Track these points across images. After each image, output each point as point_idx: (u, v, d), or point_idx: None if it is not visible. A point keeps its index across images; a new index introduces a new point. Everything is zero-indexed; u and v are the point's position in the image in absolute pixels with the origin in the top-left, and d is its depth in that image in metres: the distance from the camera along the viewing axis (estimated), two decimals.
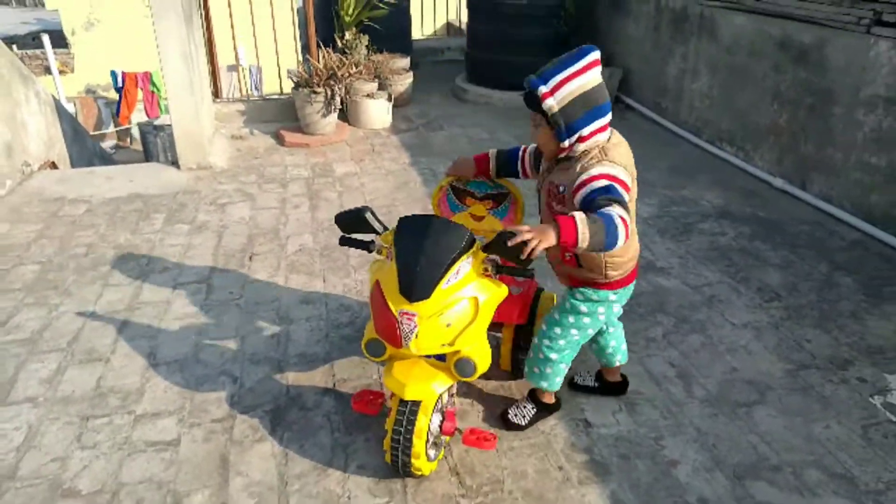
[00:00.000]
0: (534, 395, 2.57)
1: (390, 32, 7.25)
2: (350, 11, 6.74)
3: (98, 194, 4.65)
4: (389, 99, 6.30)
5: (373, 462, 2.38)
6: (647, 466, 2.39)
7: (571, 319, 2.36)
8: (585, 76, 1.99)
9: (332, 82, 5.69)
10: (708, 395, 2.76)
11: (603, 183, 1.97)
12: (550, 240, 1.86)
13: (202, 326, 3.17)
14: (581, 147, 2.05)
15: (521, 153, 2.48)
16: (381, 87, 6.46)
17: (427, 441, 2.18)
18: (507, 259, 2.06)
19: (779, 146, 4.83)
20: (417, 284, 2.02)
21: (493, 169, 2.51)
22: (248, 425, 2.56)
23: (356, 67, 5.99)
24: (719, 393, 2.77)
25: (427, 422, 2.16)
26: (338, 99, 5.76)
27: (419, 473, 2.23)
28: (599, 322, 2.40)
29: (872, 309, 3.37)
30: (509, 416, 2.54)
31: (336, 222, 2.22)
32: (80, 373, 2.84)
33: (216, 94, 6.26)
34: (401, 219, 2.16)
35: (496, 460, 2.41)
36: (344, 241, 2.29)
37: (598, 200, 1.94)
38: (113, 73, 11.58)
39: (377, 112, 6.19)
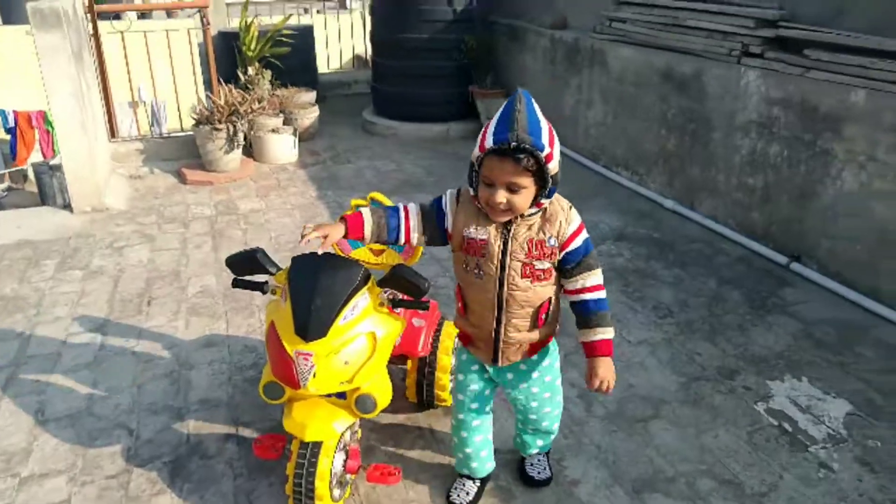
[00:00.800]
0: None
1: (295, 66, 7.26)
2: (252, 47, 6.70)
3: None
4: (295, 133, 6.28)
5: None
6: (550, 488, 2.45)
7: (555, 370, 2.28)
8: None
9: (234, 118, 5.62)
10: (607, 412, 2.86)
11: (585, 235, 1.97)
12: (612, 371, 2.01)
13: (96, 378, 3.03)
14: (548, 200, 1.93)
15: (402, 215, 2.06)
16: (286, 122, 6.43)
17: (331, 482, 2.16)
18: (403, 292, 2.09)
19: (668, 170, 5.11)
20: (313, 323, 2.02)
21: (372, 233, 2.05)
22: (145, 479, 2.46)
23: (259, 103, 5.95)
24: (618, 409, 2.88)
25: (329, 463, 2.14)
26: (241, 135, 5.69)
27: None
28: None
29: (756, 320, 3.59)
30: (532, 475, 2.47)
31: (227, 265, 2.19)
32: None
33: (112, 133, 6.06)
34: (294, 258, 2.15)
35: (403, 493, 2.41)
36: (237, 284, 2.26)
37: (588, 260, 1.97)
38: (2, 113, 11.01)
39: (282, 147, 6.15)
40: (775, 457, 2.62)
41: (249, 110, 5.78)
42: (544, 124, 1.78)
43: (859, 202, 3.66)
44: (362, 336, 2.10)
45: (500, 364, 2.11)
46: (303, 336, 2.03)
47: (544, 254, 1.93)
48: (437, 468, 2.54)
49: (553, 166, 1.79)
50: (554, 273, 1.99)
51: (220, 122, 5.56)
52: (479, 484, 2.38)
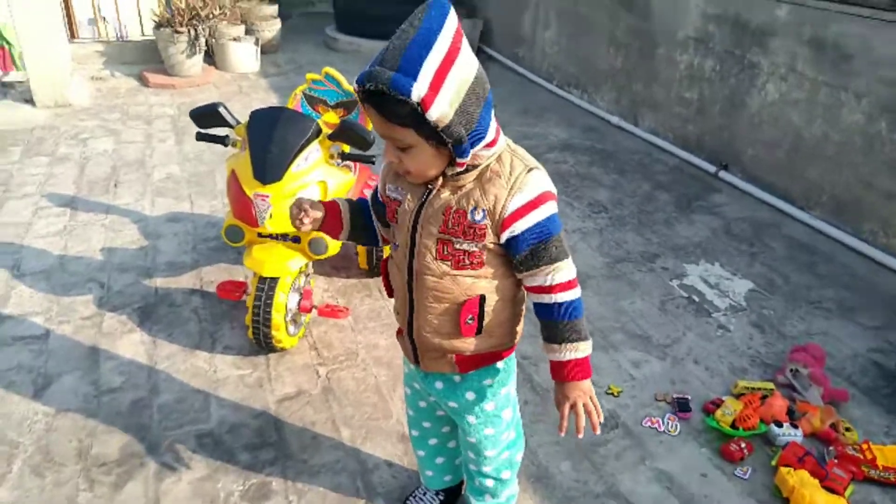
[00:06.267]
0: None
1: None
2: None
3: None
4: (257, 43, 6.35)
5: (238, 344, 2.62)
6: None
7: (503, 399, 1.64)
8: (464, 52, 1.24)
9: (195, 23, 5.68)
10: None
11: (546, 211, 1.37)
12: (589, 389, 1.43)
13: (67, 243, 3.24)
14: (486, 154, 1.34)
15: (370, 206, 1.63)
16: (248, 32, 6.49)
17: (286, 316, 2.44)
18: (351, 144, 2.34)
19: (616, 87, 5.38)
20: (269, 167, 2.26)
21: (347, 229, 1.64)
22: (116, 320, 2.72)
23: (220, 9, 5.99)
24: None
25: (285, 298, 2.42)
26: (202, 40, 5.76)
27: (280, 346, 2.49)
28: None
29: (682, 217, 3.94)
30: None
31: (191, 118, 2.40)
32: None
33: (72, 34, 6.05)
34: (252, 112, 2.38)
35: (351, 336, 2.71)
36: (200, 137, 2.48)
37: (548, 247, 1.37)
38: None
39: (244, 56, 6.23)
40: (682, 320, 2.99)
41: (211, 15, 5.83)
42: (436, 54, 1.19)
43: (779, 111, 4.00)
44: (314, 184, 2.36)
45: (421, 367, 1.60)
46: (260, 179, 2.27)
47: (465, 231, 1.37)
48: (386, 318, 2.84)
49: (437, 114, 1.19)
50: (494, 261, 1.43)
51: (181, 24, 5.61)
52: (440, 498, 1.96)
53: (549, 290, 1.39)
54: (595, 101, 5.65)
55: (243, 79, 6.11)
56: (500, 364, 1.58)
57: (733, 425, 2.35)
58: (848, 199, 3.67)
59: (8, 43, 10.63)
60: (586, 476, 2.16)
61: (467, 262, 1.40)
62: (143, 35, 6.40)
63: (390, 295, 1.61)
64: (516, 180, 1.34)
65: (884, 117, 3.42)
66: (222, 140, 2.45)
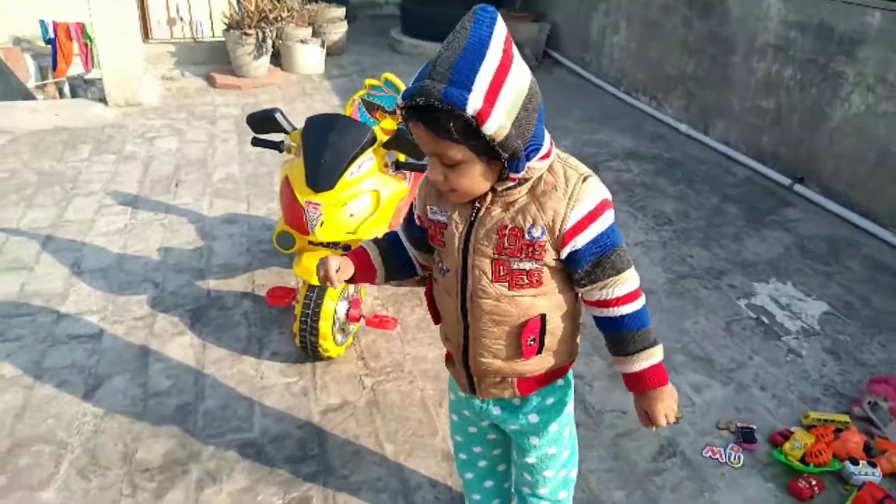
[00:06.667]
0: None
1: None
2: None
3: (21, 126, 4.65)
4: (322, 45, 6.39)
5: (285, 350, 2.59)
6: None
7: (565, 417, 1.55)
8: (517, 60, 1.16)
9: (263, 25, 5.75)
10: None
11: (605, 221, 1.28)
12: (671, 395, 1.38)
13: (126, 241, 3.30)
14: (540, 166, 1.25)
15: (404, 235, 1.53)
16: (314, 35, 6.54)
17: (334, 325, 2.40)
18: (405, 153, 2.27)
19: (686, 94, 5.17)
20: (322, 176, 2.22)
21: (381, 272, 1.53)
22: (168, 322, 2.73)
23: (288, 11, 6.06)
24: None
25: (334, 306, 2.37)
26: (269, 42, 5.83)
27: (327, 355, 2.45)
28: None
29: (752, 232, 3.73)
30: None
31: (248, 123, 2.39)
32: (2, 279, 2.94)
33: (146, 34, 6.23)
34: (308, 118, 2.34)
35: (399, 347, 2.65)
36: (256, 142, 2.46)
37: (611, 259, 1.29)
38: (42, 23, 11.14)
39: (310, 57, 6.28)
40: (748, 342, 2.81)
41: (279, 17, 5.90)
42: (489, 64, 1.11)
43: (864, 123, 3.73)
44: (367, 192, 2.31)
45: (478, 396, 1.49)
46: (313, 187, 2.23)
47: (523, 250, 1.27)
48: (434, 330, 2.76)
49: (494, 127, 1.11)
50: (553, 278, 1.33)
51: (249, 27, 5.69)
52: None
53: (614, 303, 1.32)
54: (663, 108, 5.44)
55: (307, 80, 6.15)
56: (560, 381, 1.49)
57: (803, 460, 2.18)
58: None
59: (92, 41, 11.02)
60: None
61: (525, 281, 1.31)
62: (214, 36, 6.55)
63: (436, 322, 1.51)
64: (573, 191, 1.25)
65: None
66: (277, 146, 2.43)
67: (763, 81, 4.39)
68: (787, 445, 2.21)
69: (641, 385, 1.36)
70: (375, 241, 1.56)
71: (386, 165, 2.36)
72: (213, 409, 2.30)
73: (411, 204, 1.48)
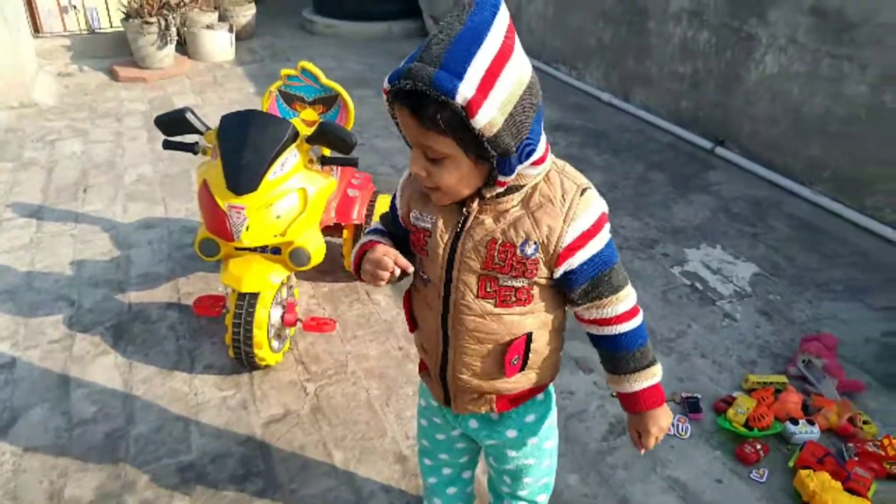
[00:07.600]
0: None
1: None
2: None
3: None
4: (231, 30, 6.10)
5: (219, 362, 2.46)
6: None
7: (546, 430, 1.47)
8: (518, 51, 1.07)
9: (165, 11, 5.42)
10: None
11: (603, 238, 1.19)
12: (666, 417, 1.32)
13: (33, 257, 3.06)
14: (533, 173, 1.15)
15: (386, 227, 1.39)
16: (221, 19, 6.23)
17: (269, 332, 2.29)
18: (331, 147, 2.16)
19: (605, 63, 5.19)
20: (243, 177, 2.09)
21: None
22: (88, 342, 2.55)
23: None
24: None
25: (267, 313, 2.25)
26: (173, 30, 5.51)
27: (264, 364, 2.34)
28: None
29: (679, 198, 3.79)
30: None
31: (157, 125, 2.22)
32: None
33: (36, 28, 5.78)
34: (222, 116, 2.20)
35: (340, 347, 2.56)
36: (167, 145, 2.30)
37: (609, 278, 1.20)
38: None
39: (218, 44, 5.98)
40: (685, 310, 2.85)
41: (182, 3, 5.58)
42: (487, 51, 1.01)
43: (779, 85, 3.83)
44: (293, 191, 2.19)
45: (453, 410, 1.41)
46: (234, 190, 2.10)
47: (514, 267, 1.17)
48: (375, 324, 2.68)
49: (484, 120, 1.01)
50: (543, 295, 1.24)
51: (150, 14, 5.36)
52: None
53: (613, 321, 1.24)
54: (584, 78, 5.46)
55: (218, 68, 5.87)
56: (540, 396, 1.41)
57: (747, 425, 2.23)
58: (852, 174, 3.53)
59: None
60: (595, 490, 2.03)
61: (514, 298, 1.21)
62: (112, 26, 6.14)
63: (412, 330, 1.40)
64: (571, 205, 1.14)
65: (890, 88, 3.26)
66: (191, 148, 2.27)
67: (679, 47, 4.44)
68: (730, 412, 2.25)
69: (639, 405, 1.30)
70: (375, 230, 1.37)
71: (311, 161, 2.24)
72: (146, 432, 2.16)
73: (392, 201, 1.34)
